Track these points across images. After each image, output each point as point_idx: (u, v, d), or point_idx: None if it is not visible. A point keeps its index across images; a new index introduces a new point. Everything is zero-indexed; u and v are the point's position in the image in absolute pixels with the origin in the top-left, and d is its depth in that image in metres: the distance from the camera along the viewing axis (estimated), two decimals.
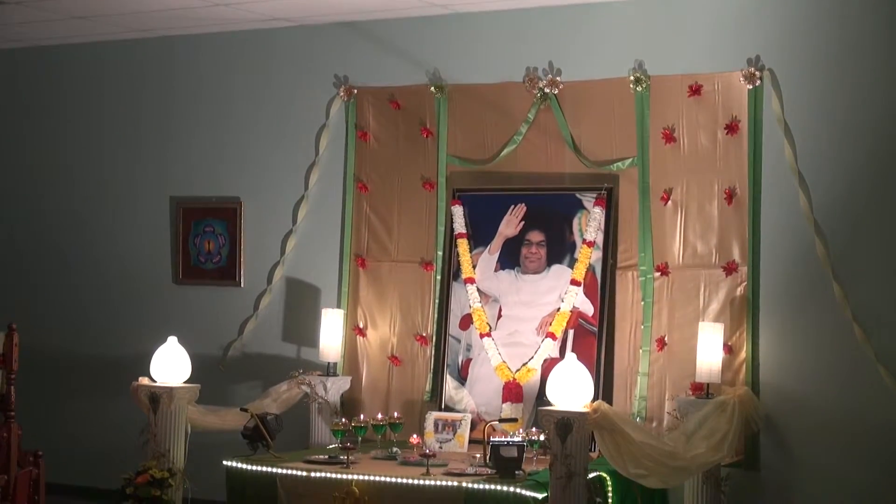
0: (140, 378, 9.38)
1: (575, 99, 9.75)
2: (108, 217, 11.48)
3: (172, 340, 9.44)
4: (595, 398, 8.19)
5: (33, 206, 11.81)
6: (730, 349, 9.11)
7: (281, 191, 10.76)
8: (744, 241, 9.18)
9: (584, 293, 9.57)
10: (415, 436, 9.19)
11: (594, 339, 9.49)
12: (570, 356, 8.24)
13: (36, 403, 10.75)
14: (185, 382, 9.40)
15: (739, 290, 9.17)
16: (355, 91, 10.49)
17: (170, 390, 9.21)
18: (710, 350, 8.89)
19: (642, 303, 9.46)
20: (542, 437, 8.53)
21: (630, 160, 9.57)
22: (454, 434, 9.44)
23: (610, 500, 8.57)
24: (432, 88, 10.17)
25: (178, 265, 11.14)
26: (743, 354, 9.10)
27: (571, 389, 8.03)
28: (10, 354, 9.38)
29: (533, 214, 9.85)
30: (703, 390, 8.91)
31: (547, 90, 9.79)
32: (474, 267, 9.94)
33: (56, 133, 11.76)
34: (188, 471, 9.20)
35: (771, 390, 9.03)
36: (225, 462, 8.85)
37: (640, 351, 9.42)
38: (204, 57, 11.17)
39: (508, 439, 8.49)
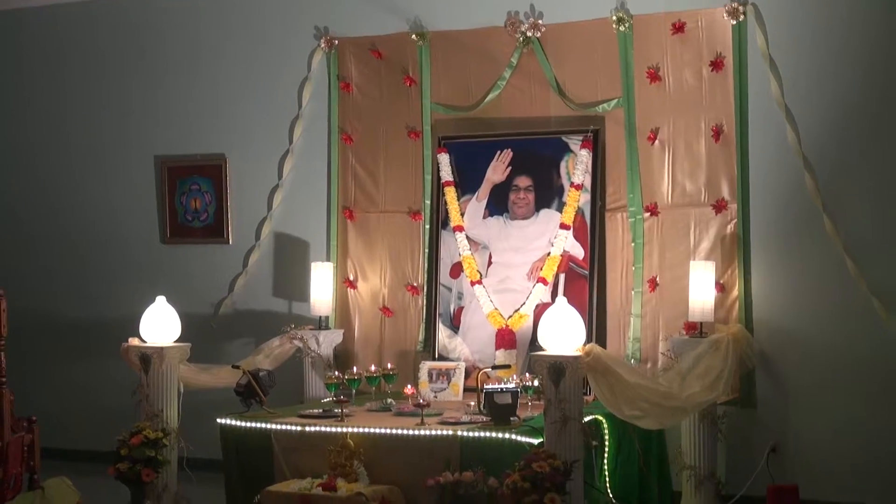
0: (130, 339, 9.31)
1: (558, 41, 9.67)
2: (93, 178, 11.38)
3: (161, 300, 9.35)
4: (588, 341, 8.14)
5: (15, 170, 11.71)
6: (722, 287, 9.07)
7: (265, 145, 10.68)
8: (732, 178, 9.13)
9: (574, 237, 9.52)
10: (409, 386, 9.13)
11: (585, 283, 9.44)
12: (561, 300, 8.16)
13: (27, 369, 10.69)
14: (175, 342, 9.33)
15: (730, 228, 9.12)
16: (336, 42, 10.40)
17: (160, 350, 9.13)
18: (702, 289, 8.84)
19: (633, 244, 9.42)
20: (535, 383, 8.51)
21: (615, 101, 9.50)
22: (448, 383, 9.43)
23: (606, 443, 8.56)
24: (414, 36, 10.08)
25: (165, 224, 11.07)
26: (735, 292, 9.07)
27: (563, 333, 7.95)
28: None
29: (519, 159, 9.78)
30: (696, 329, 8.88)
31: (529, 34, 9.70)
32: (462, 214, 9.89)
33: (36, 95, 11.65)
34: (182, 430, 9.15)
35: (764, 327, 9.01)
36: (219, 420, 8.81)
37: (633, 292, 9.39)
38: (183, 13, 11.05)
39: (502, 386, 8.46)
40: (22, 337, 10.12)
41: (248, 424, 8.70)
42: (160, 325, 9.28)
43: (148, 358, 9.10)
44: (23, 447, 8.66)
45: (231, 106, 10.83)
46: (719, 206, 9.15)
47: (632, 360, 9.23)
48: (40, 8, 11.52)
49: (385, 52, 10.25)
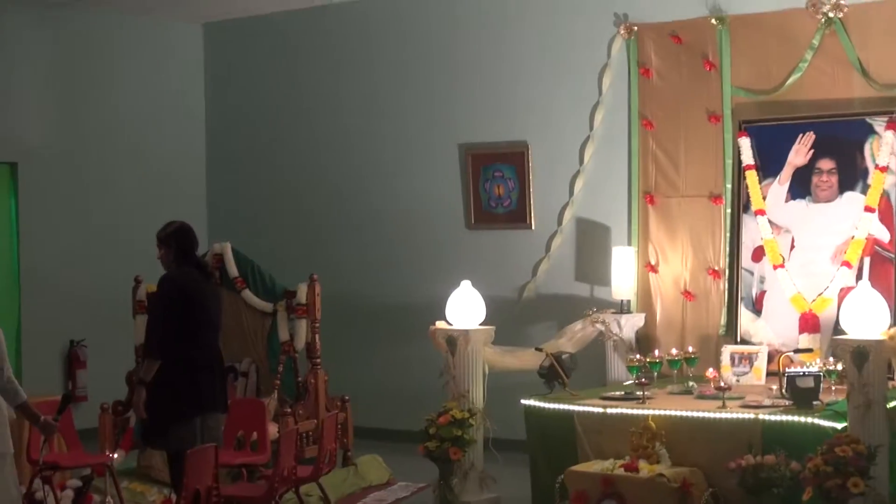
0: (436, 322, 9.53)
1: (861, 21, 9.53)
2: (401, 166, 11.75)
3: (466, 284, 9.52)
4: (893, 325, 8.00)
5: (329, 161, 12.15)
6: None
7: (567, 132, 10.84)
8: None
9: (879, 219, 9.36)
10: (711, 370, 9.13)
11: (891, 266, 9.28)
12: (864, 283, 8.03)
13: (340, 351, 11.06)
14: (480, 324, 9.51)
15: None
16: (635, 28, 10.48)
17: (466, 332, 9.34)
18: None
19: None
20: (838, 367, 8.39)
21: None
22: (750, 367, 9.38)
23: None
24: (713, 20, 10.08)
25: (470, 210, 11.34)
26: None
27: (867, 317, 7.82)
28: (314, 304, 9.78)
29: (822, 142, 9.66)
30: None
31: (831, 14, 9.57)
32: (764, 198, 9.83)
33: (349, 88, 12.07)
34: (487, 410, 9.32)
35: None
36: (522, 401, 9.00)
37: None
38: (486, 5, 11.31)
39: (805, 370, 8.39)
40: (334, 319, 10.47)
41: (552, 406, 8.85)
42: (465, 308, 9.46)
43: (454, 340, 9.31)
44: (336, 425, 9.02)
45: (532, 94, 11.03)
46: None
47: None
48: (351, 3, 11.93)
49: (685, 37, 10.27)
